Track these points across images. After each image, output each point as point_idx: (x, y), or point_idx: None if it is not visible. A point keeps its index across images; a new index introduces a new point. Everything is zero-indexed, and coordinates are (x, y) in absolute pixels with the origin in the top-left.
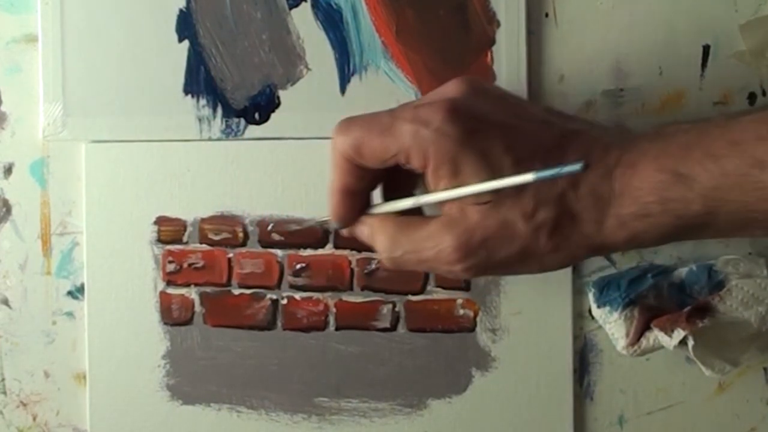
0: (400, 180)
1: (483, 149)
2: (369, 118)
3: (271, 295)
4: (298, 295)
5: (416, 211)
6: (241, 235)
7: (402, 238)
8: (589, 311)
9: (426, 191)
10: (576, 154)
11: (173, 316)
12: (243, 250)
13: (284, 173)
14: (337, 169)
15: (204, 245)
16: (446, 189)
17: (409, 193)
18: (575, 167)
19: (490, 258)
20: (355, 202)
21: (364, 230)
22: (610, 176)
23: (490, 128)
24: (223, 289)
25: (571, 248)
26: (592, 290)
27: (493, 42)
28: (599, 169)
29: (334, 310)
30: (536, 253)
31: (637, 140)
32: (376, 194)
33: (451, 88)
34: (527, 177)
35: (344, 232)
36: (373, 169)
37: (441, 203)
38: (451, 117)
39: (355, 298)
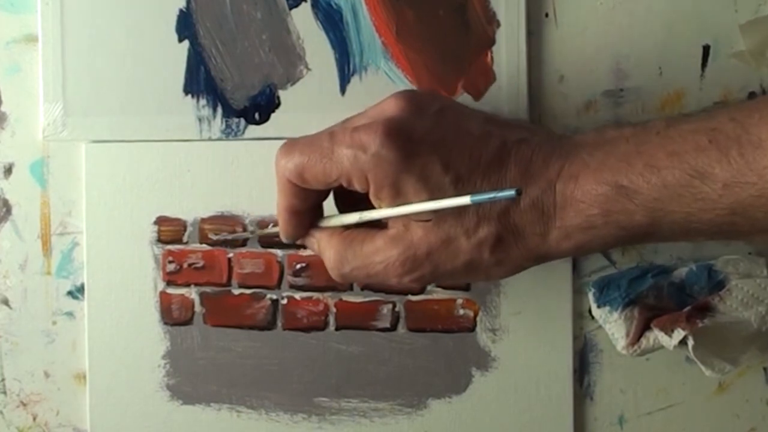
0: (350, 192)
1: (422, 171)
2: (309, 142)
3: (271, 295)
4: (298, 295)
5: (364, 223)
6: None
7: (349, 254)
8: (589, 311)
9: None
10: (516, 167)
11: (173, 316)
12: (243, 250)
13: None
14: (282, 190)
15: (204, 245)
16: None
17: (362, 203)
18: (510, 193)
19: (436, 270)
20: (302, 219)
21: (314, 244)
22: (553, 190)
23: (428, 148)
24: (223, 289)
25: (516, 260)
26: (592, 290)
27: (493, 42)
28: (541, 183)
29: (334, 310)
30: (480, 266)
31: (578, 150)
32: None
33: (389, 106)
34: (464, 200)
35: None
36: (316, 190)
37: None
38: (389, 141)
39: (355, 297)
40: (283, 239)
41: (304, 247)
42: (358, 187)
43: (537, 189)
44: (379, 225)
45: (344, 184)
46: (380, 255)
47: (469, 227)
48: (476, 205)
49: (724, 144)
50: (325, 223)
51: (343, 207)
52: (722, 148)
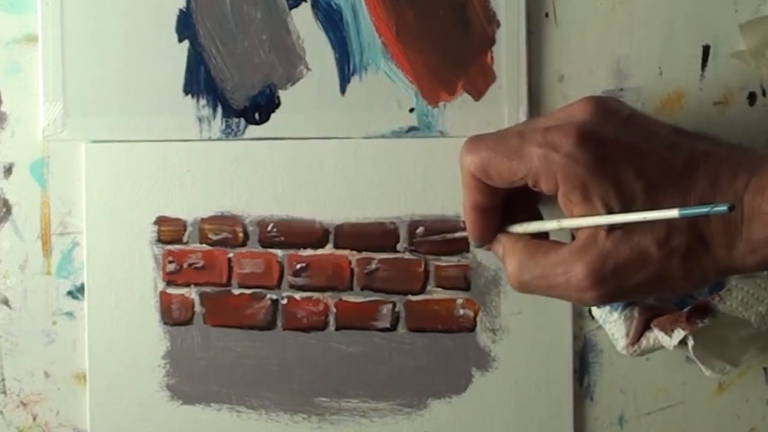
0: (524, 196)
1: (614, 175)
2: (497, 139)
3: (271, 295)
4: (298, 295)
5: (546, 235)
6: (241, 235)
7: (531, 263)
8: (589, 311)
9: (553, 212)
10: (705, 178)
11: (173, 316)
12: (243, 250)
13: (284, 173)
14: (467, 187)
15: (204, 245)
16: (583, 215)
17: (533, 210)
18: (723, 208)
19: (622, 285)
20: (489, 218)
21: (498, 249)
22: (741, 202)
23: (620, 153)
24: (223, 289)
25: (703, 272)
26: None
27: (493, 42)
28: (729, 195)
29: (334, 310)
30: (669, 277)
31: (765, 163)
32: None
33: (580, 110)
34: (672, 213)
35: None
36: (501, 189)
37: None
38: (582, 142)
39: (355, 298)
40: (472, 243)
41: (305, 247)
42: (544, 187)
43: (726, 200)
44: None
45: (530, 183)
46: (564, 266)
47: (660, 237)
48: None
49: None
50: (514, 229)
51: (520, 216)
52: None
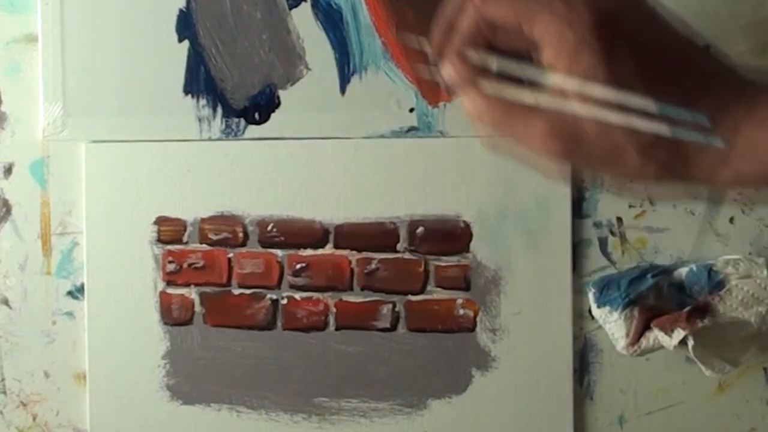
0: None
1: (611, 44)
2: None
3: (271, 295)
4: (298, 295)
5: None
6: (241, 235)
7: (505, 126)
8: (589, 311)
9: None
10: (707, 99)
11: (173, 316)
12: (243, 250)
13: (284, 173)
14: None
15: (204, 245)
16: (565, 77)
17: (518, 59)
18: (701, 118)
19: (582, 155)
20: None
21: (468, 107)
22: (736, 130)
23: (628, 26)
24: (223, 289)
25: (666, 157)
26: (592, 290)
27: None
28: (727, 121)
29: (334, 310)
30: (629, 153)
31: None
32: None
33: None
34: (650, 105)
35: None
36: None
37: (551, 93)
38: (593, 3)
39: (355, 298)
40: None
41: (305, 247)
42: (536, 33)
43: (723, 128)
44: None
45: (524, 26)
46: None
47: (643, 141)
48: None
49: None
50: (489, 90)
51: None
52: None
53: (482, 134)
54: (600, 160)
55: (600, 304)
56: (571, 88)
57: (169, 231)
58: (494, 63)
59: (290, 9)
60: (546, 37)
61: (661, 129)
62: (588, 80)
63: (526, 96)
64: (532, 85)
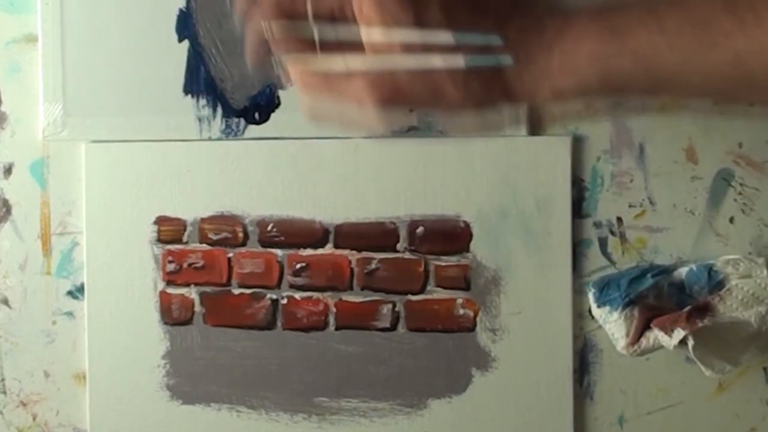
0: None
1: None
2: None
3: (271, 295)
4: (298, 295)
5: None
6: (241, 234)
7: (328, 90)
8: (589, 311)
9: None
10: (511, 28)
11: (173, 316)
12: (243, 250)
13: (284, 173)
14: None
15: (204, 245)
16: (374, 28)
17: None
18: (506, 60)
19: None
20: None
21: (294, 79)
22: (550, 49)
23: None
24: (223, 289)
25: (495, 100)
26: (592, 290)
27: None
28: (534, 42)
29: (334, 310)
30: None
31: (579, 16)
32: None
33: None
34: (448, 38)
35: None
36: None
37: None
38: None
39: (355, 298)
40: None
41: (304, 246)
42: None
43: (534, 47)
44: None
45: None
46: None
47: (457, 76)
48: None
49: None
50: (301, 65)
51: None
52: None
53: (303, 105)
54: (422, 102)
55: (600, 304)
56: (380, 39)
57: (169, 231)
58: (308, 31)
59: None
60: None
61: (457, 61)
62: (395, 25)
63: (337, 63)
64: (349, 45)
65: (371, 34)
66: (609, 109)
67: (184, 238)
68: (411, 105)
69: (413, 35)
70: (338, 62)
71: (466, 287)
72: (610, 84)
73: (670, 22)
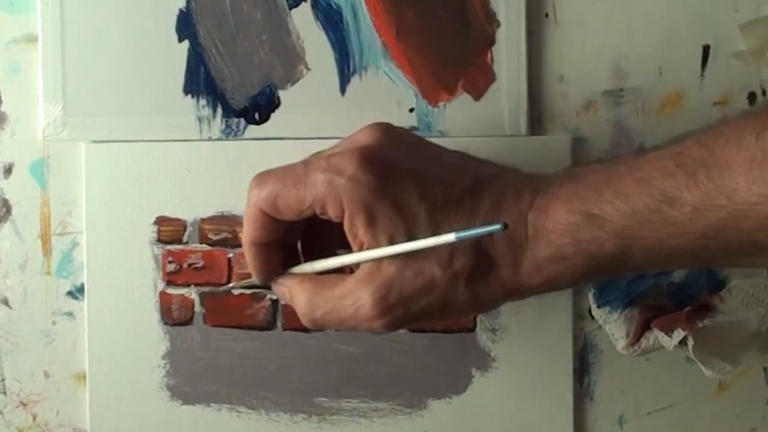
0: (321, 235)
1: (397, 197)
2: (283, 170)
3: (271, 295)
4: None
5: (337, 269)
6: (241, 235)
7: (320, 299)
8: (589, 311)
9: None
10: (490, 199)
11: (173, 316)
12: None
13: None
14: (250, 222)
15: (204, 245)
16: (366, 247)
17: (332, 249)
18: (496, 227)
19: (409, 310)
20: (270, 254)
21: (284, 291)
22: (524, 220)
23: (404, 175)
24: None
25: (489, 294)
26: (592, 290)
27: (493, 42)
28: (513, 214)
29: None
30: (455, 301)
31: (549, 183)
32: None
33: (365, 136)
34: (449, 237)
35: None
36: (285, 222)
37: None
38: (365, 165)
39: None
40: (256, 279)
41: None
42: (332, 213)
43: (510, 220)
44: (353, 270)
45: (318, 211)
46: (351, 297)
47: (443, 259)
48: None
49: (692, 167)
50: (296, 270)
51: (311, 257)
52: (689, 171)
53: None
54: (414, 300)
55: (600, 304)
56: (377, 255)
57: (169, 231)
58: (307, 267)
59: (290, 9)
60: (319, 194)
61: (448, 238)
62: (372, 220)
63: (324, 263)
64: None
65: (367, 255)
66: (609, 109)
67: (184, 238)
68: (416, 316)
69: (412, 246)
70: (334, 261)
71: None
72: (583, 253)
73: (627, 184)
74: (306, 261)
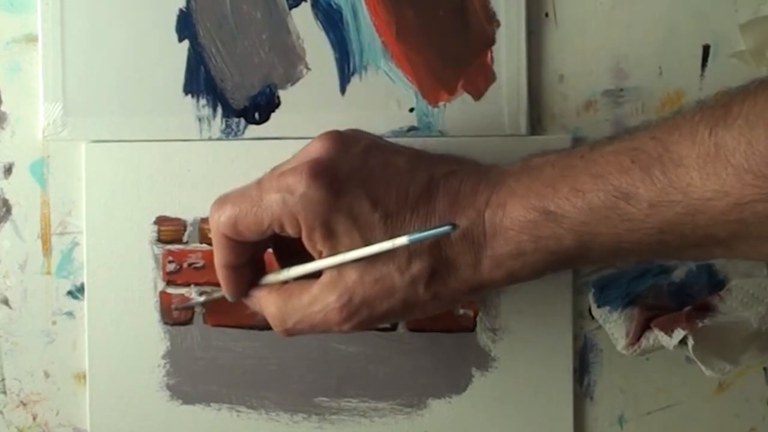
0: (290, 242)
1: (350, 208)
2: (239, 194)
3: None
4: None
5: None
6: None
7: (289, 308)
8: (589, 311)
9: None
10: (445, 199)
11: (173, 316)
12: None
13: None
14: (217, 246)
15: (204, 245)
16: (325, 254)
17: (303, 255)
18: (445, 229)
19: (373, 312)
20: (241, 275)
21: (255, 303)
22: (482, 219)
23: (355, 185)
24: None
25: (450, 293)
26: (592, 290)
27: (493, 42)
28: (470, 213)
29: None
30: (417, 302)
31: (505, 178)
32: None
33: (314, 148)
34: (401, 240)
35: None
36: (253, 242)
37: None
38: (315, 181)
39: None
40: (228, 298)
41: None
42: (290, 231)
43: (466, 219)
44: (318, 275)
45: (277, 230)
46: (318, 304)
47: (401, 264)
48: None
49: (646, 163)
50: (264, 281)
51: (285, 262)
52: (644, 167)
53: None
54: (377, 303)
55: (600, 304)
56: (334, 262)
57: (169, 231)
58: (271, 278)
59: (290, 9)
60: (275, 214)
61: (400, 241)
62: (329, 233)
63: (285, 273)
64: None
65: (327, 262)
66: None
67: (185, 238)
68: (380, 318)
69: (366, 251)
70: (287, 272)
71: None
72: (543, 249)
73: (583, 179)
74: (274, 270)
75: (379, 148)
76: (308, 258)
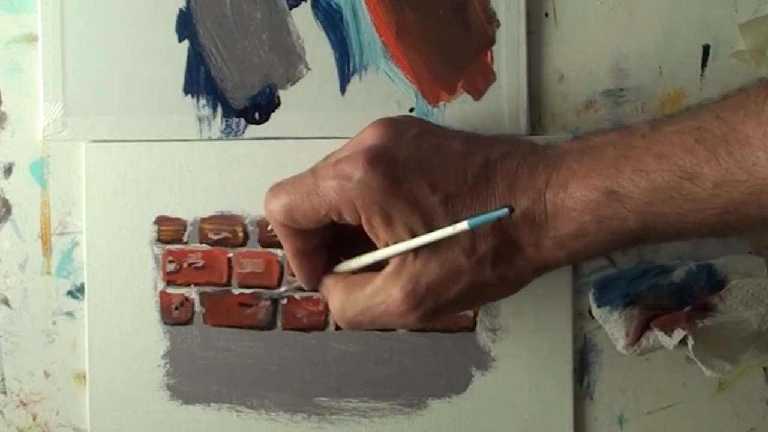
0: (356, 234)
1: (410, 193)
2: (294, 182)
3: (271, 295)
4: (298, 295)
5: (371, 267)
6: (241, 235)
7: (351, 299)
8: (589, 311)
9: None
10: (503, 182)
11: (173, 316)
12: (243, 249)
13: (284, 173)
14: (281, 236)
15: (204, 245)
16: (388, 242)
17: (365, 245)
18: (503, 211)
19: (440, 301)
20: (314, 260)
21: (323, 292)
22: (543, 199)
23: (413, 170)
24: (223, 288)
25: (516, 274)
26: (592, 290)
27: (493, 42)
28: (530, 194)
29: None
30: (485, 285)
31: (565, 158)
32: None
33: (369, 135)
34: (462, 225)
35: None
36: (312, 229)
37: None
38: (372, 167)
39: None
40: (303, 286)
41: None
42: (348, 218)
43: (527, 200)
44: (383, 267)
45: (334, 218)
46: (381, 295)
47: (466, 246)
48: None
49: (711, 143)
50: (337, 269)
51: (353, 253)
52: (709, 147)
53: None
54: (443, 289)
55: (600, 304)
56: (398, 250)
57: (169, 231)
58: (343, 266)
59: (290, 9)
60: (333, 202)
61: (461, 226)
62: (388, 219)
63: (355, 262)
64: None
65: (393, 249)
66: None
67: (184, 238)
68: (448, 305)
69: (430, 237)
70: (366, 258)
71: None
72: (606, 229)
73: (647, 160)
74: (346, 259)
75: (432, 132)
76: (373, 250)
